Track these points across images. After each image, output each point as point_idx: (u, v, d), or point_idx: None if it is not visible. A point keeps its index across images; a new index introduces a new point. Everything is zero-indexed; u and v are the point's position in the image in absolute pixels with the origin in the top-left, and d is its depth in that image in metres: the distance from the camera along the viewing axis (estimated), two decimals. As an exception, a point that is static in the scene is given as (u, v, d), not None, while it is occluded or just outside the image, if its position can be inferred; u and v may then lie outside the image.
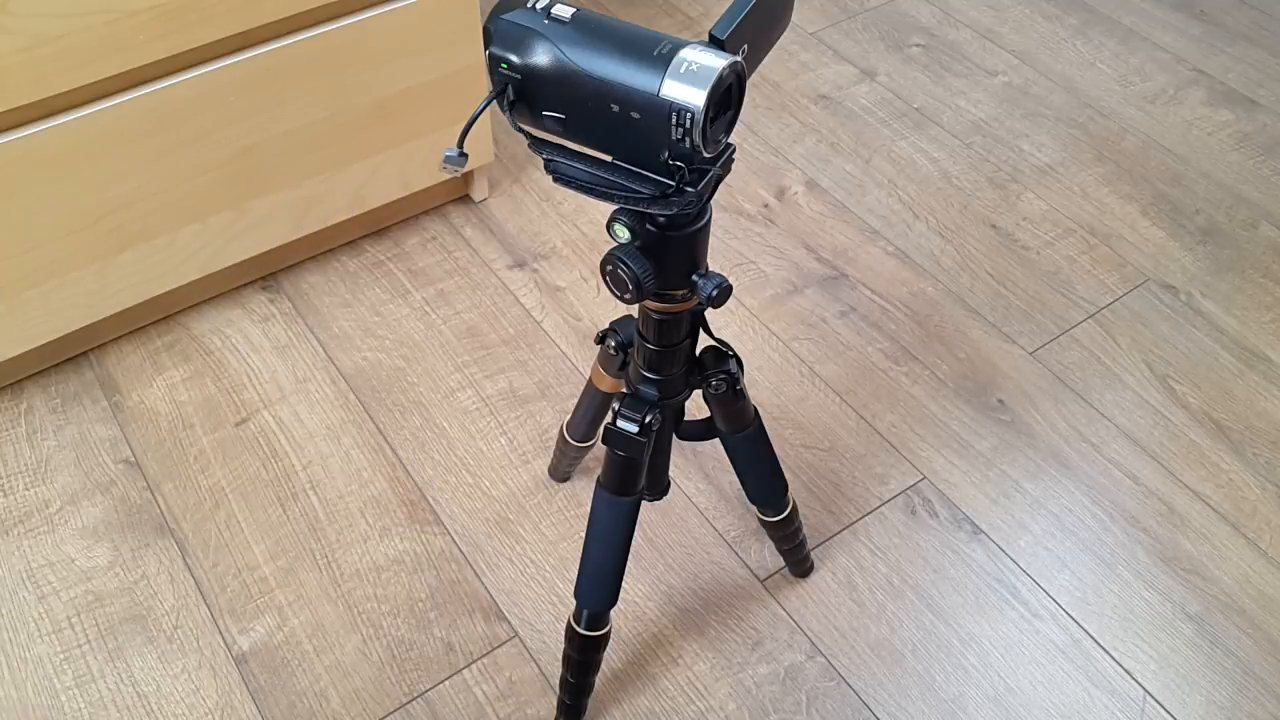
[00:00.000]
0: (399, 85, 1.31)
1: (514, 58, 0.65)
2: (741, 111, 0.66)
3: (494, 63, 0.65)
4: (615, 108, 0.63)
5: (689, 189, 0.66)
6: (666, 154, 0.64)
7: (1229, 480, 1.26)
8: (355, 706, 1.07)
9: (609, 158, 0.68)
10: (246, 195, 1.29)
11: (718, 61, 0.61)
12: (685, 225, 0.72)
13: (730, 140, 0.67)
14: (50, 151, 1.11)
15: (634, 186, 0.67)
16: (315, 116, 1.27)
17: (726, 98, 0.64)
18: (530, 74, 0.65)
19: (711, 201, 0.73)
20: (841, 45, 1.84)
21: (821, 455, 1.28)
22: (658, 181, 0.66)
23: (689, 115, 0.61)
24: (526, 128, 0.69)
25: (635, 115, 0.62)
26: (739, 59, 0.62)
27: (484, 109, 0.65)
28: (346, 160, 1.34)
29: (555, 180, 0.69)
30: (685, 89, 0.60)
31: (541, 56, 0.64)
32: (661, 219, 0.71)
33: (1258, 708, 1.08)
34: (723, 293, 0.73)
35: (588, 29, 0.64)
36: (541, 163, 0.72)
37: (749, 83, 0.66)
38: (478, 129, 1.44)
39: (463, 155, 0.68)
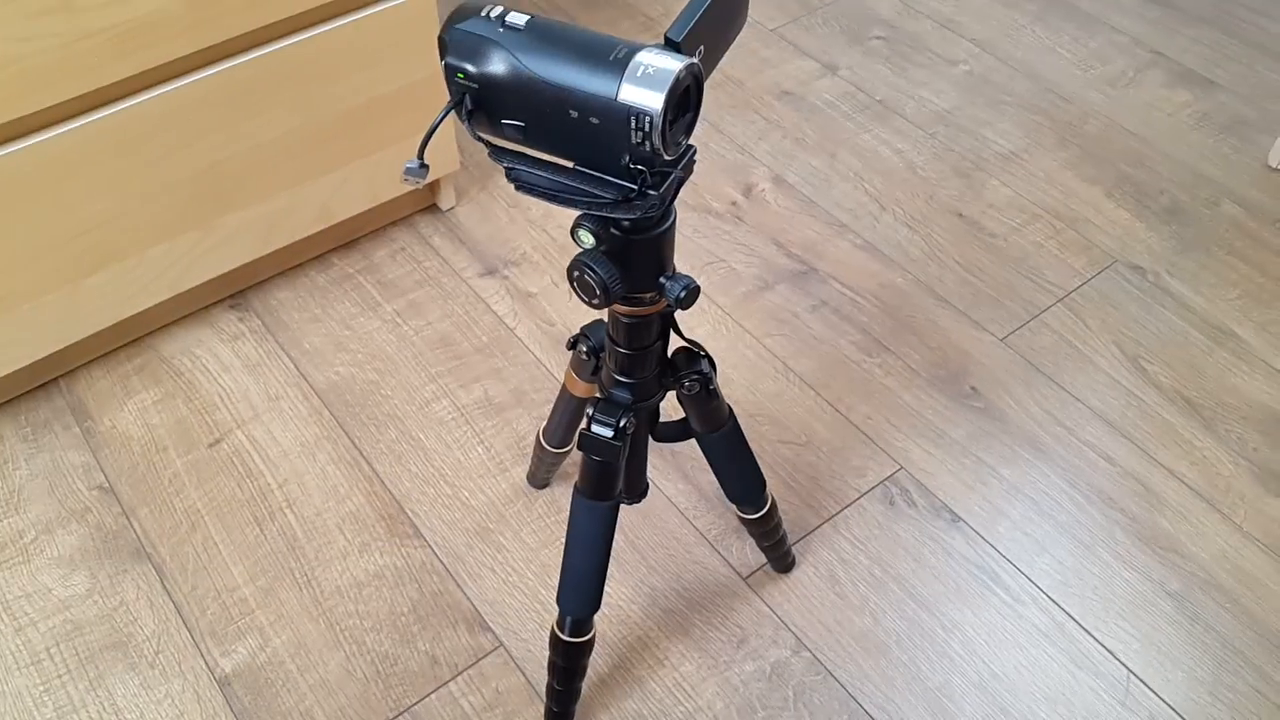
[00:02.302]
0: (362, 97, 1.30)
1: (470, 67, 0.64)
2: (705, 110, 0.66)
3: (450, 72, 0.65)
4: (574, 114, 0.63)
5: (651, 192, 0.65)
6: (627, 158, 0.64)
7: (1202, 457, 1.27)
8: (342, 723, 1.06)
9: (570, 164, 0.68)
10: (213, 212, 1.28)
11: (674, 64, 0.61)
12: (650, 228, 0.72)
13: (691, 142, 0.67)
14: (14, 176, 1.10)
15: (596, 192, 0.66)
16: (280, 131, 1.26)
17: (685, 100, 0.64)
18: (487, 83, 0.65)
19: (676, 203, 0.73)
20: (802, 40, 1.85)
21: (798, 450, 1.28)
22: (620, 185, 0.66)
23: (648, 119, 0.61)
24: (486, 136, 0.68)
25: (594, 120, 0.62)
26: (695, 61, 0.62)
27: (442, 120, 0.65)
28: (313, 173, 1.33)
29: (517, 189, 0.69)
30: (643, 93, 0.60)
31: (498, 65, 0.64)
32: (625, 223, 0.71)
33: (1238, 680, 1.09)
34: (690, 294, 0.73)
35: (543, 36, 0.64)
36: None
37: (712, 81, 0.66)
38: (441, 137, 1.43)
39: (424, 167, 0.67)
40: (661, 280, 0.74)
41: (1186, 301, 1.44)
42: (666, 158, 0.63)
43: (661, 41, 0.64)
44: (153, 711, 1.07)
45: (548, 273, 1.47)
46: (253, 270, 1.42)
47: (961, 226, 1.54)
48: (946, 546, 1.19)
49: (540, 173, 0.68)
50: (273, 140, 1.26)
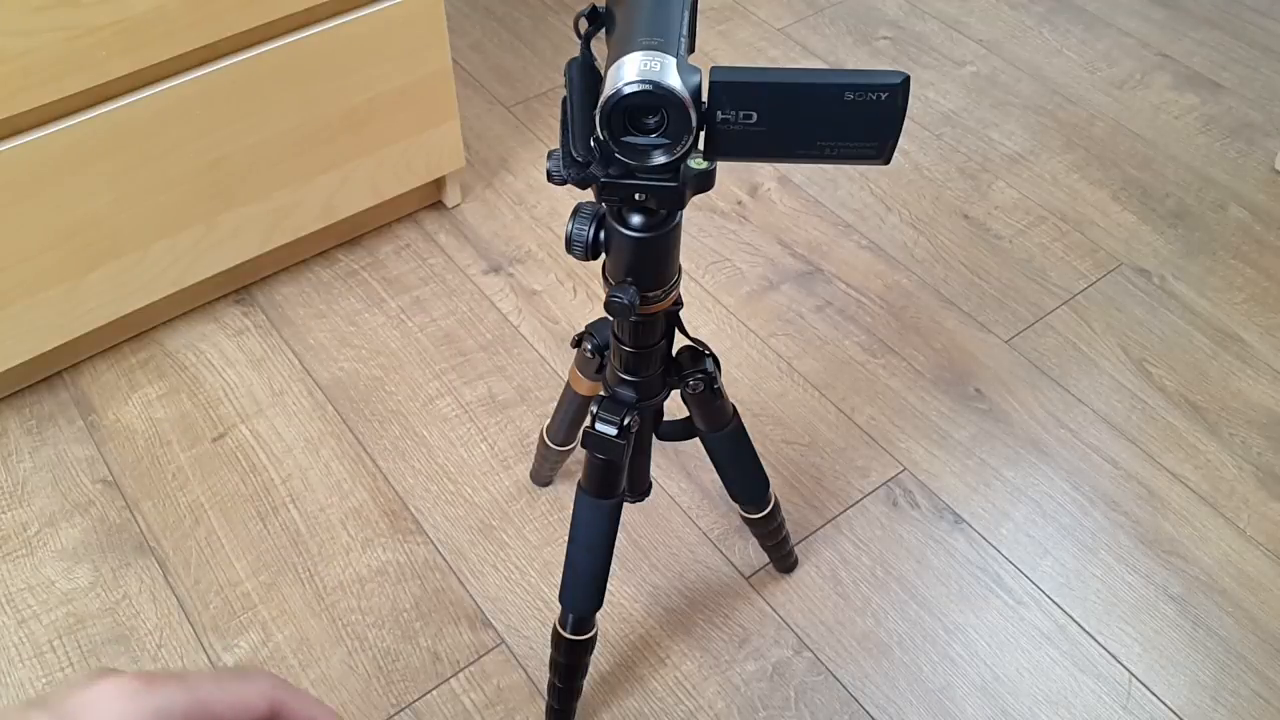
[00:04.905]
0: (366, 93, 1.30)
1: None
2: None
3: None
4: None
5: (591, 169, 0.64)
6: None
7: (1206, 461, 1.27)
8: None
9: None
10: (216, 209, 1.28)
11: (657, 76, 0.57)
12: (654, 227, 0.71)
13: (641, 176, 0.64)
14: (14, 171, 1.10)
15: (572, 134, 0.65)
16: (283, 127, 1.26)
17: (666, 125, 0.59)
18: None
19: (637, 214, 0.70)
20: (809, 40, 1.85)
21: (802, 450, 1.28)
22: (586, 146, 0.65)
23: (604, 99, 0.59)
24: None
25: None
26: (681, 93, 0.57)
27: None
28: (316, 170, 1.33)
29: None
30: (620, 75, 0.58)
31: None
32: (634, 220, 0.70)
33: (1240, 685, 1.09)
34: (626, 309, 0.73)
35: None
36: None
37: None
38: (447, 135, 1.43)
39: None
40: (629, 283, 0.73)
41: (1192, 305, 1.44)
42: (615, 153, 0.61)
43: (705, 69, 0.59)
44: (154, 706, 1.07)
45: (552, 271, 1.47)
46: (257, 266, 1.42)
47: (967, 228, 1.54)
48: (949, 548, 1.19)
49: (572, 94, 0.66)
50: (275, 137, 1.26)
